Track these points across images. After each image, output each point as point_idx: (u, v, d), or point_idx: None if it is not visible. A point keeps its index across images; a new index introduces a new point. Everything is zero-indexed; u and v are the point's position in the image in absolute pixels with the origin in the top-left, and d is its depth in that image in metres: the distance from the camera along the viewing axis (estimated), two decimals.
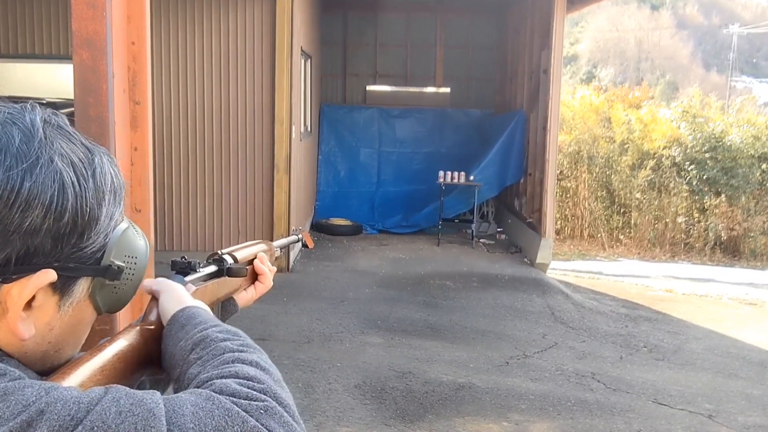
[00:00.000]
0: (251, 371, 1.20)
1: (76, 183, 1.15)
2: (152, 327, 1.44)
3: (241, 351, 1.27)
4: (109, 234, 1.24)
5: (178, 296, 1.48)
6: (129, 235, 1.30)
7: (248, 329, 8.46)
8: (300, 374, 7.57)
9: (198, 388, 1.17)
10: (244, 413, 1.10)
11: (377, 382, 7.56)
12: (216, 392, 1.14)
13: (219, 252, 1.83)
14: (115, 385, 1.13)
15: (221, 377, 1.18)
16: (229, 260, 1.83)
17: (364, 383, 7.51)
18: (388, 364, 8.12)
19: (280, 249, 2.27)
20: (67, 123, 1.23)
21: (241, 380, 1.17)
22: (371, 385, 7.48)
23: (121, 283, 1.29)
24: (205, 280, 1.71)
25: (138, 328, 1.41)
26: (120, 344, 1.34)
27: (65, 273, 1.18)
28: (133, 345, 1.36)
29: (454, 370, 8.07)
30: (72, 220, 1.15)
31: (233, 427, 1.08)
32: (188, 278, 1.64)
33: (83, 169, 1.18)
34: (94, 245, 1.21)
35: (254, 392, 1.15)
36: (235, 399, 1.12)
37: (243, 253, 1.92)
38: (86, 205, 1.17)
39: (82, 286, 1.23)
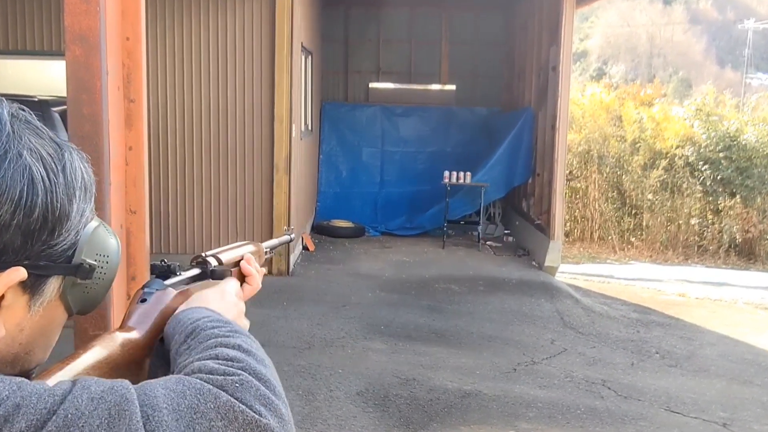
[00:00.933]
0: (232, 353, 1.24)
1: (45, 178, 1.15)
2: (131, 334, 1.43)
3: (227, 336, 1.30)
4: (80, 231, 1.24)
5: (198, 302, 1.55)
6: (100, 233, 1.30)
7: None
8: (300, 381, 7.57)
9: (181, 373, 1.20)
10: (217, 389, 1.13)
11: (380, 389, 7.56)
12: (194, 371, 1.18)
13: (203, 254, 1.82)
14: (82, 376, 1.14)
15: (202, 360, 1.22)
16: (214, 262, 1.82)
17: (367, 390, 7.51)
18: (391, 370, 8.11)
19: (271, 250, 2.25)
20: (35, 118, 1.23)
21: (220, 361, 1.21)
22: (374, 392, 7.48)
23: (93, 283, 1.29)
24: (187, 284, 1.70)
25: (115, 334, 1.40)
26: (95, 353, 1.33)
27: (36, 271, 1.18)
28: (110, 354, 1.35)
29: (460, 377, 8.07)
30: (42, 215, 1.15)
31: (206, 404, 1.11)
32: (168, 282, 1.63)
33: (53, 164, 1.18)
34: (65, 242, 1.21)
35: (231, 369, 1.18)
36: (210, 377, 1.16)
37: (228, 254, 1.91)
38: (56, 201, 1.17)
39: (52, 286, 1.23)
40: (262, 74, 11.65)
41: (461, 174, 15.33)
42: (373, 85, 18.36)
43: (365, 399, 7.31)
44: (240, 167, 11.82)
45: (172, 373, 1.28)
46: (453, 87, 18.24)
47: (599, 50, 70.72)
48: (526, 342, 9.56)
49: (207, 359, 1.22)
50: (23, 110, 1.22)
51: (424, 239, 15.96)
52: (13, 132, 1.15)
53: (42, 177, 1.15)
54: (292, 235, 2.58)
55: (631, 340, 10.08)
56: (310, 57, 14.59)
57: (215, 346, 1.26)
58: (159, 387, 1.11)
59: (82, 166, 1.25)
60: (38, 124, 1.22)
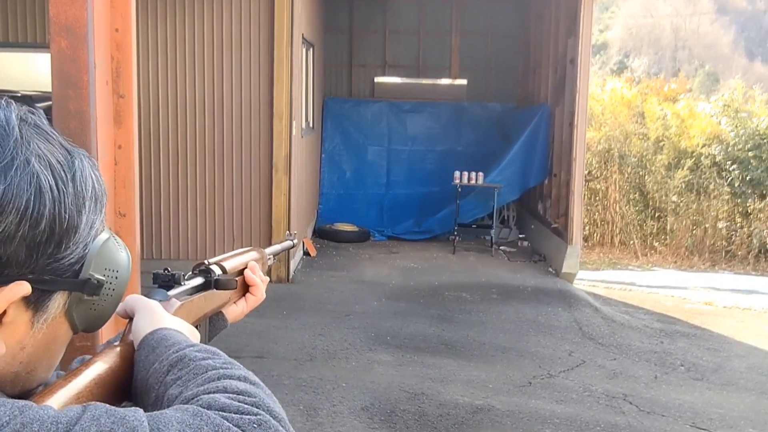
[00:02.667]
0: (241, 386, 1.21)
1: (54, 187, 1.15)
2: (133, 346, 1.42)
3: (226, 368, 1.27)
4: (88, 244, 1.23)
5: (152, 316, 1.46)
6: (110, 246, 1.29)
7: (245, 346, 8.44)
8: (302, 395, 7.56)
9: None
10: (236, 428, 1.10)
11: (386, 404, 7.55)
12: (204, 407, 1.14)
13: (206, 262, 1.82)
14: (93, 402, 1.12)
15: (208, 393, 1.19)
16: (217, 271, 1.81)
17: (372, 405, 7.50)
18: (398, 384, 8.11)
19: (274, 256, 2.25)
20: (45, 122, 1.22)
21: (230, 395, 1.18)
22: (380, 407, 7.47)
23: (101, 299, 1.28)
24: (190, 294, 1.70)
25: (117, 348, 1.40)
26: (98, 368, 1.32)
27: (40, 286, 1.17)
28: (113, 368, 1.35)
29: (472, 391, 8.06)
30: (49, 227, 1.14)
31: None
32: (172, 292, 1.63)
33: (62, 173, 1.17)
34: (72, 256, 1.20)
35: (246, 406, 1.15)
36: (225, 414, 1.13)
37: (232, 262, 1.91)
38: (65, 212, 1.16)
39: (57, 302, 1.22)
40: (261, 68, 11.65)
41: (473, 174, 15.32)
42: (378, 79, 18.34)
43: (371, 414, 7.30)
44: (237, 167, 11.81)
45: (153, 404, 1.27)
46: (464, 81, 18.22)
47: (620, 42, 70.57)
48: (543, 354, 9.55)
49: (215, 392, 1.19)
50: (32, 113, 1.21)
51: (433, 244, 15.95)
52: (21, 137, 1.15)
53: (50, 186, 1.14)
54: (295, 240, 2.58)
55: (654, 351, 10.06)
56: (311, 49, 14.59)
57: (219, 378, 1.23)
58: (174, 420, 1.09)
59: (93, 175, 1.24)
60: (48, 128, 1.22)
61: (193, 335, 1.50)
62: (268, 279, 2.02)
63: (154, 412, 1.11)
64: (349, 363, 8.74)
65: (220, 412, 1.13)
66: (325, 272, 13.00)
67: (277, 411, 1.18)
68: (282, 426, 1.15)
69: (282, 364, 8.43)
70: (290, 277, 12.07)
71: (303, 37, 12.76)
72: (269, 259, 2.17)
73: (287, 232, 2.70)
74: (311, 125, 15.29)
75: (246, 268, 1.95)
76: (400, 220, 16.91)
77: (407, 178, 17.62)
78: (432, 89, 18.22)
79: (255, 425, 1.12)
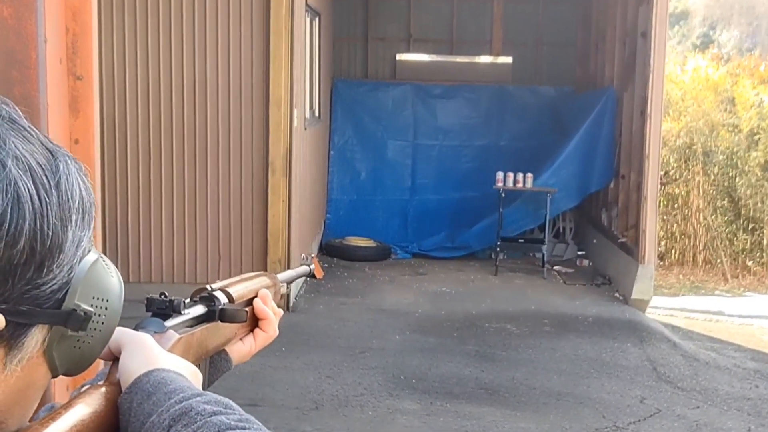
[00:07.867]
0: None
1: (35, 196, 1.14)
2: (121, 389, 1.41)
3: (243, 427, 1.24)
4: (74, 267, 1.22)
5: (144, 352, 1.42)
6: (99, 269, 1.28)
7: (234, 390, 8.45)
8: None
9: None
10: None
11: None
12: None
13: (208, 287, 1.78)
14: None
15: None
16: (223, 299, 1.78)
17: None
18: None
19: (288, 284, 2.23)
20: (21, 116, 1.21)
21: None
22: None
23: (87, 335, 1.27)
24: (191, 326, 1.67)
25: (103, 389, 1.38)
26: (79, 411, 1.31)
27: (16, 318, 1.16)
28: (98, 412, 1.33)
29: None
30: (29, 246, 1.13)
31: None
32: (169, 323, 1.60)
33: (44, 179, 1.16)
34: (54, 282, 1.19)
35: None
36: None
37: (239, 289, 1.87)
38: (47, 227, 1.15)
39: (35, 338, 1.21)
40: (254, 42, 11.64)
41: (520, 176, 15.30)
42: (401, 56, 18.35)
43: None
44: (224, 167, 11.79)
45: None
46: (509, 59, 18.19)
47: (705, 11, 70.37)
48: (607, 401, 9.53)
49: None
50: (6, 105, 1.20)
51: (470, 263, 15.95)
52: None
53: (31, 195, 1.13)
54: (312, 266, 2.56)
55: (747, 397, 10.03)
56: (317, 19, 14.62)
57: None
58: None
59: (80, 181, 1.24)
60: (25, 123, 1.21)
61: (196, 378, 1.46)
62: (281, 312, 1.99)
63: None
64: (364, 412, 8.74)
65: None
66: (335, 298, 13.00)
67: None
68: None
69: (280, 414, 8.43)
70: (290, 304, 12.05)
71: (307, 4, 12.77)
72: (282, 287, 2.14)
73: (303, 255, 2.70)
74: (317, 114, 15.32)
75: (256, 297, 1.92)
76: (429, 234, 16.91)
77: (437, 181, 17.61)
78: (468, 69, 18.21)
79: None
